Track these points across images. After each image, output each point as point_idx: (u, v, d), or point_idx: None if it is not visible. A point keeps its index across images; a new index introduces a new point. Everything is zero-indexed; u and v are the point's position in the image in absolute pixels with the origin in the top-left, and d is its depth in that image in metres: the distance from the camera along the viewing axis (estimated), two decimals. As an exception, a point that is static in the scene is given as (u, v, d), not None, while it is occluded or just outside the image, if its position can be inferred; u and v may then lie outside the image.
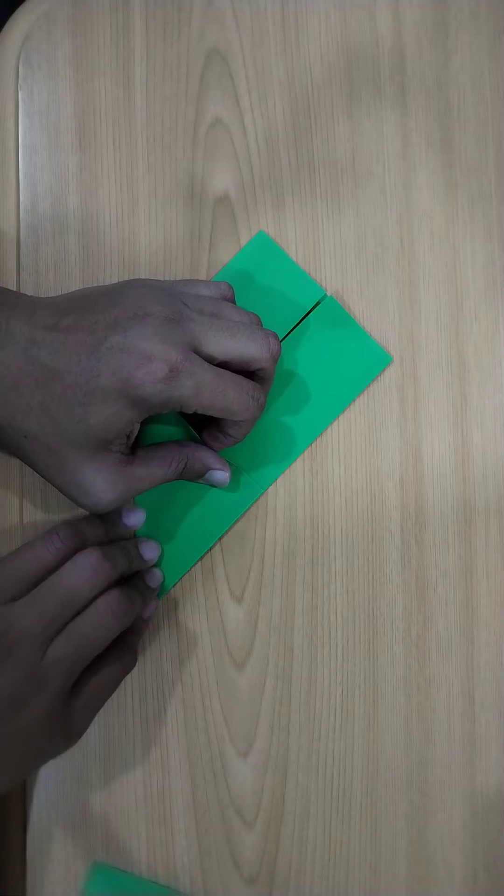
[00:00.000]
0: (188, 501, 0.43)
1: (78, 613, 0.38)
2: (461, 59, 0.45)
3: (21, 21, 0.44)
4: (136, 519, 0.42)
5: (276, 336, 0.39)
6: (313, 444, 0.44)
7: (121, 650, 0.40)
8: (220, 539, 0.44)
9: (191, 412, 0.37)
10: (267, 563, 0.44)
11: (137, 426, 0.38)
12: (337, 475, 0.44)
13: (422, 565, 0.44)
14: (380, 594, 0.44)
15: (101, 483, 0.37)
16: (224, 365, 0.38)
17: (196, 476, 0.41)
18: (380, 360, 0.44)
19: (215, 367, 0.37)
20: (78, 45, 0.44)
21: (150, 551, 0.42)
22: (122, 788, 0.44)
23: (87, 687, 0.38)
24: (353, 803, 0.44)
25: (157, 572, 0.43)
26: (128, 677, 0.43)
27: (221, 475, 0.41)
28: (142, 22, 0.44)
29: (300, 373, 0.44)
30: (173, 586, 0.43)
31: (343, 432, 0.44)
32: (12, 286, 0.44)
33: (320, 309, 0.44)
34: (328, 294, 0.44)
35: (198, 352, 0.37)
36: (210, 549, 0.43)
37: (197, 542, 0.43)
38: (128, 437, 0.38)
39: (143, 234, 0.44)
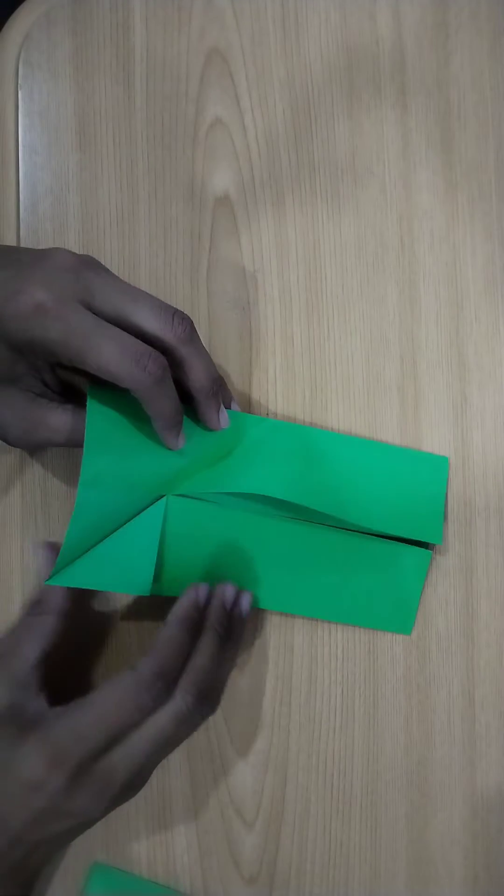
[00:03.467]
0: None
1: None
2: (461, 59, 0.45)
3: (21, 21, 0.44)
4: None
5: (184, 318, 0.36)
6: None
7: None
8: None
9: (69, 363, 0.35)
10: (267, 563, 0.44)
11: (47, 369, 0.37)
12: (337, 475, 0.44)
13: (422, 565, 0.44)
14: (380, 594, 0.44)
15: (8, 419, 0.37)
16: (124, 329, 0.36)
17: None
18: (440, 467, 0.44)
19: (98, 320, 0.35)
20: (78, 45, 0.44)
21: (203, 596, 0.40)
22: (122, 788, 0.44)
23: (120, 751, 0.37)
24: (353, 803, 0.44)
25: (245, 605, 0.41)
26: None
27: None
28: (142, 22, 0.44)
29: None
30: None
31: (343, 432, 0.44)
32: (12, 286, 0.44)
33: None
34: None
35: (89, 304, 0.35)
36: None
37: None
38: (36, 377, 0.37)
39: (143, 234, 0.44)
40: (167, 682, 0.36)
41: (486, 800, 0.44)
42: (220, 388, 0.40)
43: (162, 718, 0.36)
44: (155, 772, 0.43)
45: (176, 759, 0.43)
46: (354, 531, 0.42)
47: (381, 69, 0.45)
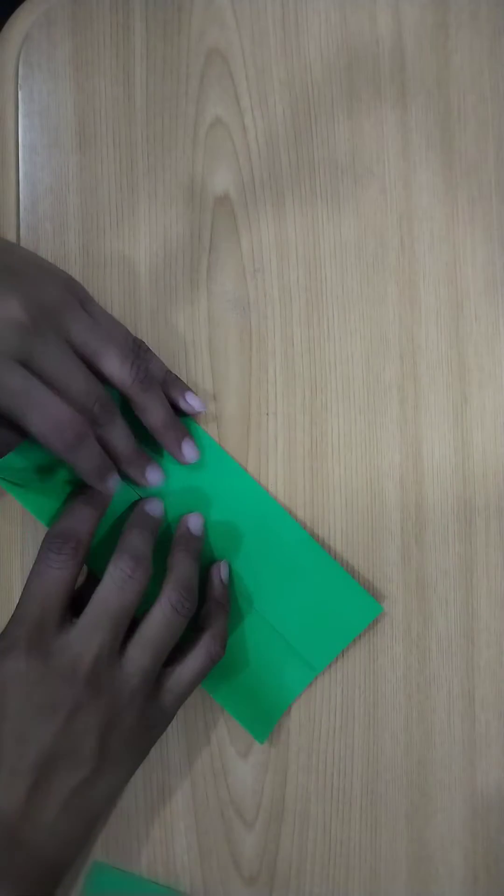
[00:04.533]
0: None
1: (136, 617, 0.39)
2: (461, 58, 0.45)
3: (21, 21, 0.44)
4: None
5: (140, 365, 0.39)
6: (313, 444, 0.44)
7: (205, 638, 0.40)
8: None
9: None
10: (267, 563, 0.44)
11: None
12: (337, 475, 0.44)
13: (422, 565, 0.44)
14: (380, 594, 0.44)
15: None
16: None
17: None
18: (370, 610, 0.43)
19: (29, 380, 0.36)
20: (78, 45, 0.44)
21: (155, 509, 0.42)
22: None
23: (171, 680, 0.40)
24: (353, 803, 0.44)
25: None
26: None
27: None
28: (142, 22, 0.44)
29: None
30: None
31: (343, 432, 0.44)
32: (12, 286, 0.44)
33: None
34: None
35: (27, 362, 0.36)
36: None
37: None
38: None
39: (143, 234, 0.44)
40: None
41: (486, 799, 0.44)
42: (174, 424, 0.41)
43: (152, 618, 0.39)
44: (155, 772, 0.43)
45: (176, 759, 0.44)
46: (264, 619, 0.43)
47: (381, 69, 0.45)
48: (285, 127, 0.44)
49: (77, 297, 0.39)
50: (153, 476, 0.41)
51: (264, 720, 0.43)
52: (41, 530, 0.44)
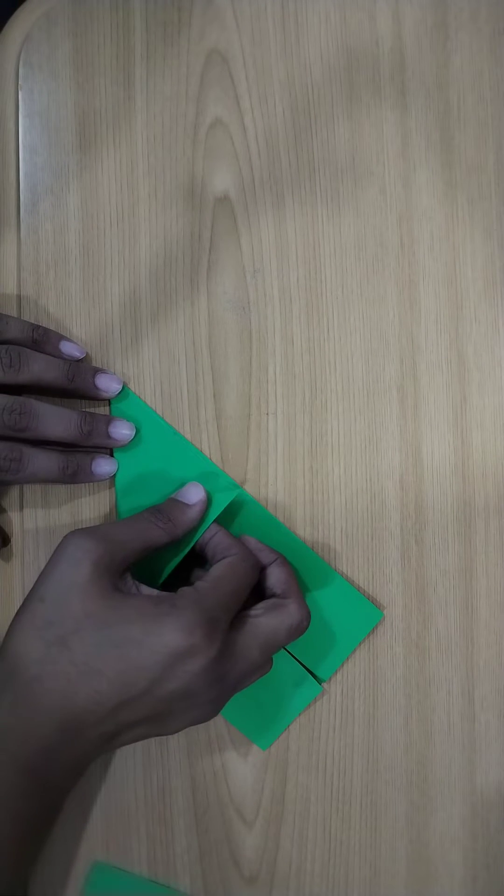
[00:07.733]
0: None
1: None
2: (461, 59, 0.45)
3: (21, 21, 0.44)
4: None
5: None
6: (313, 444, 0.44)
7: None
8: None
9: None
10: (267, 563, 0.44)
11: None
12: (337, 475, 0.44)
13: (422, 565, 0.44)
14: (380, 594, 0.44)
15: None
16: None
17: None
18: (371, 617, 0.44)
19: None
20: (78, 45, 0.44)
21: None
22: (122, 788, 0.44)
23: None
24: (353, 803, 0.44)
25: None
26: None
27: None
28: (142, 22, 0.44)
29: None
30: None
31: (343, 432, 0.44)
32: (13, 286, 0.44)
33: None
34: None
35: None
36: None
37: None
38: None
39: (143, 234, 0.44)
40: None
41: (485, 798, 0.44)
42: (77, 369, 0.42)
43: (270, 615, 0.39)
44: (155, 772, 0.43)
45: (176, 759, 0.44)
46: None
47: (380, 69, 0.45)
48: (285, 127, 0.45)
49: None
50: (117, 433, 0.42)
51: (268, 732, 0.43)
52: (41, 528, 0.44)
